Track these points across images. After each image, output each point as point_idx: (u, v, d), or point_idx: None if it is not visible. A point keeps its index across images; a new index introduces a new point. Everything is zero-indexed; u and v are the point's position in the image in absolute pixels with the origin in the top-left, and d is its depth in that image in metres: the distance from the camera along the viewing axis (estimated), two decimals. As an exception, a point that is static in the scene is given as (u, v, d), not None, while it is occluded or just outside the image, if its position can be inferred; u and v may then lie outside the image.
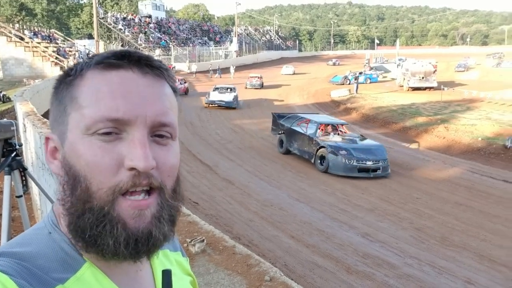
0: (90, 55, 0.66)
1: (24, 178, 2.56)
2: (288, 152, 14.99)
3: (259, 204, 9.88)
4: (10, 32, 33.59)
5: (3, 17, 45.43)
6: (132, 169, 0.59)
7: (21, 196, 2.55)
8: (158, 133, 0.63)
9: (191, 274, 0.87)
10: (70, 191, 0.61)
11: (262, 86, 34.27)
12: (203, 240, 4.00)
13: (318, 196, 10.79)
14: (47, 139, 0.67)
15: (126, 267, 0.66)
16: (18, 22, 44.69)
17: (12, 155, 2.45)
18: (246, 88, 33.37)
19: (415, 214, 9.78)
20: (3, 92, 25.22)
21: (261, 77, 35.50)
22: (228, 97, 24.90)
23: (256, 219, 8.89)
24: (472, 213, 9.93)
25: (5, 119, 2.74)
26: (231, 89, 26.54)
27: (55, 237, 0.63)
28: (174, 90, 0.69)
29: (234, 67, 44.13)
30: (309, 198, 10.52)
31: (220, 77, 40.00)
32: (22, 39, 33.40)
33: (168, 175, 0.64)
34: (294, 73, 47.19)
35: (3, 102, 24.27)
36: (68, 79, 0.64)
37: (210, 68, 42.66)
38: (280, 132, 15.68)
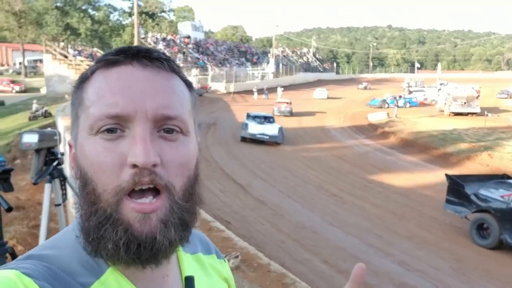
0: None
1: (64, 187, 2.59)
2: (499, 246, 8.97)
3: (291, 226, 9.73)
4: (55, 50, 35.42)
5: (49, 36, 47.75)
6: (134, 166, 0.56)
7: (60, 204, 2.59)
8: (165, 127, 0.60)
9: (228, 278, 0.82)
10: (81, 193, 0.61)
11: (291, 114, 30.17)
12: (237, 256, 3.95)
13: (353, 220, 10.53)
14: (69, 145, 0.67)
15: (152, 273, 0.63)
16: (63, 41, 46.96)
17: (54, 164, 2.50)
18: (273, 114, 27.76)
19: (455, 243, 9.35)
20: (45, 108, 26.43)
21: (290, 103, 31.29)
22: (271, 129, 20.65)
23: (288, 241, 8.74)
24: (518, 246, 9.39)
25: (49, 129, 2.81)
26: (269, 118, 22.30)
27: (81, 240, 0.61)
28: (186, 82, 0.67)
29: (282, 88, 42.57)
30: (343, 222, 10.28)
31: (268, 98, 38.86)
32: (66, 57, 35.10)
33: (176, 174, 0.60)
34: (328, 97, 43.33)
35: (45, 117, 25.45)
36: (78, 84, 0.65)
37: (255, 89, 41.42)
38: (475, 211, 9.65)
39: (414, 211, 11.51)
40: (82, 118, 0.61)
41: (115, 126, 0.58)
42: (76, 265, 0.59)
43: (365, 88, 58.29)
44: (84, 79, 0.64)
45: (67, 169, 5.96)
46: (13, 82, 43.80)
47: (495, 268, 8.16)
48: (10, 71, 57.65)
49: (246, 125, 20.81)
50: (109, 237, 0.57)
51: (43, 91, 37.13)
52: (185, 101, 0.64)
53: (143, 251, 0.57)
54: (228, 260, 3.97)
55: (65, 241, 0.63)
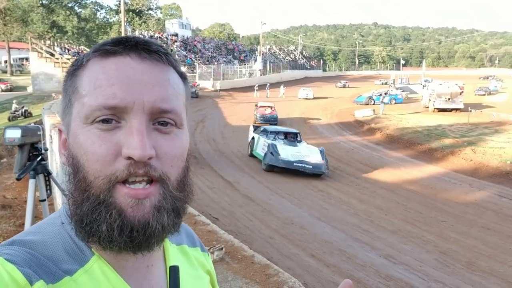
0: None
1: (48, 183, 2.60)
2: None
3: (279, 221, 9.77)
4: (41, 48, 34.93)
5: (35, 34, 47.05)
6: (129, 158, 0.57)
7: (44, 200, 2.59)
8: (160, 120, 0.61)
9: (210, 271, 0.83)
10: (72, 181, 0.61)
11: (277, 121, 24.91)
12: (222, 248, 3.98)
13: (340, 216, 10.62)
14: (59, 131, 0.67)
15: (136, 262, 0.64)
16: (49, 39, 46.29)
17: (38, 159, 2.50)
18: (255, 122, 23.89)
19: (440, 237, 9.49)
20: (25, 108, 25.87)
21: (274, 108, 26.34)
22: (312, 154, 14.57)
23: (276, 236, 8.78)
24: (500, 238, 9.58)
25: (32, 124, 2.80)
26: (293, 135, 16.50)
27: (67, 227, 0.62)
28: (181, 75, 0.67)
29: (285, 86, 42.03)
30: (330, 218, 10.36)
31: (267, 96, 38.27)
32: (52, 55, 34.63)
33: (171, 165, 0.61)
34: (313, 97, 39.88)
35: (25, 117, 24.89)
36: (72, 70, 0.64)
37: (257, 87, 40.73)
38: None
39: (400, 206, 11.65)
40: (76, 106, 0.61)
41: (111, 117, 0.58)
42: (60, 251, 0.59)
43: (344, 86, 56.80)
44: (78, 66, 0.63)
45: (53, 170, 5.93)
46: (-2, 81, 43.11)
47: (478, 260, 8.31)
48: (-4, 69, 56.70)
49: (274, 147, 14.50)
50: (103, 219, 0.57)
51: (30, 89, 36.60)
52: (180, 94, 0.65)
53: (136, 235, 0.58)
54: (212, 252, 4.03)
55: (50, 228, 0.63)
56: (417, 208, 11.55)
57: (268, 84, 42.04)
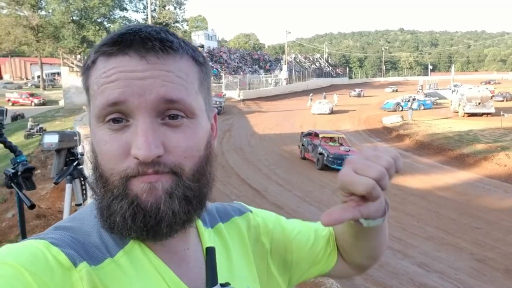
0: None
1: (84, 187, 2.67)
2: None
3: (308, 229, 9.69)
4: (72, 63, 36.00)
5: (66, 49, 48.52)
6: (137, 158, 0.58)
7: (80, 204, 2.65)
8: (169, 114, 0.61)
9: (256, 225, 0.88)
10: (93, 176, 0.64)
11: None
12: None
13: (370, 223, 10.43)
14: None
15: (173, 246, 0.66)
16: (79, 53, 47.62)
17: (74, 164, 2.57)
18: (322, 167, 16.15)
19: (475, 244, 9.20)
20: (40, 125, 25.65)
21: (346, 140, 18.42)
22: None
23: (305, 244, 8.71)
24: (540, 246, 9.21)
25: (68, 129, 2.89)
26: None
27: (98, 219, 0.65)
28: (193, 58, 0.65)
29: (338, 95, 41.34)
30: (360, 225, 10.19)
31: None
32: (83, 69, 35.59)
33: (184, 156, 0.61)
34: (331, 112, 34.24)
35: (40, 134, 25.01)
36: (85, 69, 0.65)
37: (311, 96, 39.95)
38: None
39: (431, 213, 11.36)
40: (91, 104, 0.63)
41: (120, 116, 0.60)
42: (99, 237, 0.63)
43: (359, 95, 53.02)
44: (88, 66, 0.64)
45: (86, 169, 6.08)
46: (32, 95, 44.58)
47: (517, 268, 8.01)
48: (29, 84, 58.80)
49: None
50: (118, 211, 0.60)
51: (61, 103, 37.71)
52: (188, 83, 0.63)
53: (149, 219, 0.60)
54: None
55: (87, 218, 0.66)
56: (449, 214, 11.23)
57: (325, 94, 41.26)
